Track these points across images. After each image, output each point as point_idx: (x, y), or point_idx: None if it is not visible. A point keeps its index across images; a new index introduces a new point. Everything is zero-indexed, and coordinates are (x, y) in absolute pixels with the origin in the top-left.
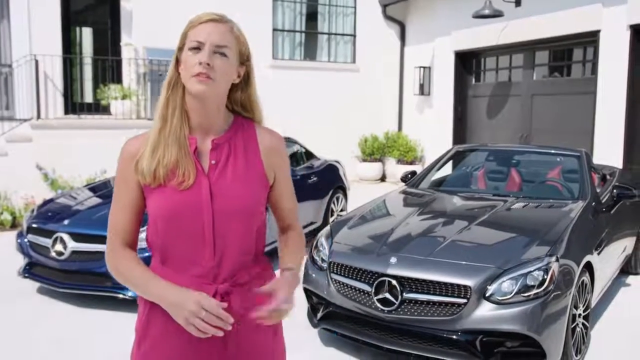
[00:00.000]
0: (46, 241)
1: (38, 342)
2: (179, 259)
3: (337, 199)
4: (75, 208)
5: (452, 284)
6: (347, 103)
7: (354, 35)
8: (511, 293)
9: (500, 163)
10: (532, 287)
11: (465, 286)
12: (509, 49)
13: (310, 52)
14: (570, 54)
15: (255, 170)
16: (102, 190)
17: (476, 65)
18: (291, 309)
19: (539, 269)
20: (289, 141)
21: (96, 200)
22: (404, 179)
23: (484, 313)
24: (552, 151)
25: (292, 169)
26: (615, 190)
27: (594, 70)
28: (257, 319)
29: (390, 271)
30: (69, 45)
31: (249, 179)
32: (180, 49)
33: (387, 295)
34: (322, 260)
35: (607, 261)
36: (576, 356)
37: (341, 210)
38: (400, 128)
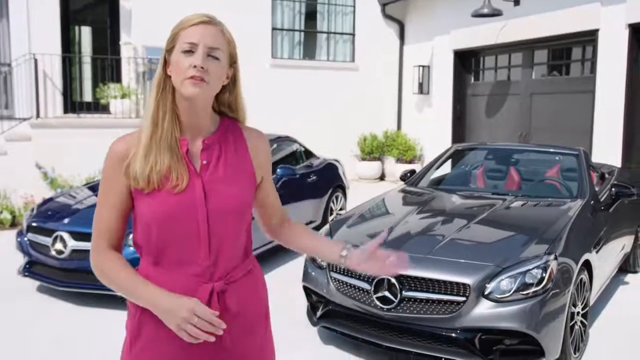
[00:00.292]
0: (46, 240)
1: (38, 340)
2: (175, 259)
3: (337, 197)
4: (75, 207)
5: (451, 282)
6: (347, 102)
7: (353, 34)
8: (510, 291)
9: (499, 162)
10: (531, 285)
11: (464, 284)
12: (508, 47)
13: (309, 51)
14: (569, 52)
15: (245, 169)
16: None
17: (475, 64)
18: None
19: (537, 267)
20: (288, 140)
21: (96, 199)
22: (403, 177)
23: (483, 311)
24: (551, 150)
25: (292, 168)
26: (613, 189)
27: (593, 69)
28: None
29: None
30: (68, 44)
31: (239, 178)
32: (170, 50)
33: (387, 293)
34: None
35: (606, 259)
36: (575, 354)
37: (340, 209)
38: (399, 127)
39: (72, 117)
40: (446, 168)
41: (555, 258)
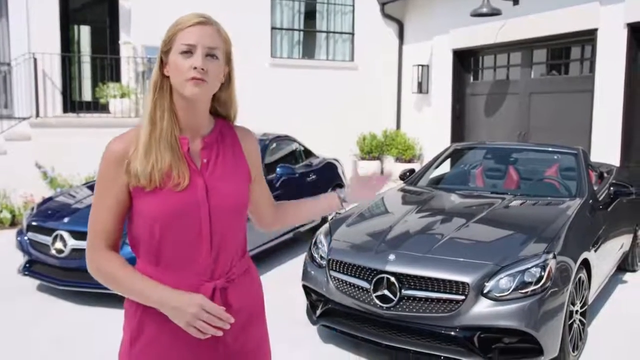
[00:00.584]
0: (46, 239)
1: (38, 339)
2: (176, 258)
3: None
4: (74, 206)
5: (450, 281)
6: (346, 101)
7: (353, 34)
8: (509, 290)
9: (498, 161)
10: (530, 283)
11: (463, 283)
12: (507, 47)
13: (308, 50)
14: (568, 52)
15: (242, 168)
16: None
17: (474, 63)
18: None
19: (536, 265)
20: (288, 139)
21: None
22: (403, 177)
23: (482, 309)
24: (550, 149)
25: (291, 167)
26: (612, 188)
27: (592, 69)
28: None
29: (389, 268)
30: (68, 44)
31: (237, 177)
32: (166, 51)
33: (386, 292)
34: (321, 257)
35: (604, 258)
36: (573, 352)
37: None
38: (398, 126)
39: (71, 116)
40: (445, 167)
41: (554, 257)
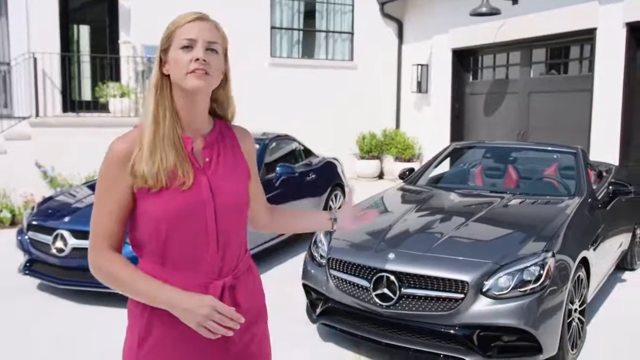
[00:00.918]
0: (47, 238)
1: (38, 339)
2: (183, 257)
3: (335, 196)
4: (75, 205)
5: (449, 279)
6: (345, 101)
7: (352, 33)
8: (508, 288)
9: (497, 160)
10: (529, 282)
11: (462, 281)
12: (506, 46)
13: (308, 49)
14: (567, 51)
15: (242, 167)
16: None
17: (473, 62)
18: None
19: (535, 264)
20: (288, 139)
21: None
22: (402, 176)
23: (481, 308)
24: (549, 148)
25: (291, 167)
26: (611, 187)
27: (591, 68)
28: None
29: (389, 267)
30: (68, 43)
31: (237, 175)
32: (165, 49)
33: (386, 290)
34: (321, 256)
35: (603, 257)
36: (572, 350)
37: (339, 208)
38: (398, 125)
39: (71, 116)
40: (445, 166)
41: (553, 255)
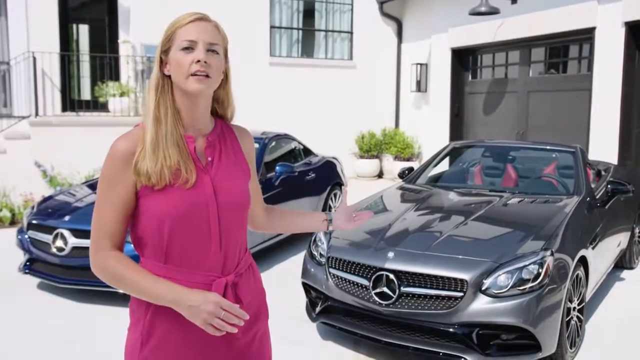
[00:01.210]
0: (47, 237)
1: (38, 338)
2: (186, 255)
3: (335, 195)
4: (75, 205)
5: (448, 278)
6: (345, 100)
7: (351, 33)
8: (507, 286)
9: (496, 159)
10: (528, 280)
11: (461, 280)
12: (505, 45)
13: (307, 49)
14: (566, 50)
15: (242, 166)
16: None
17: (473, 62)
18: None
19: (534, 262)
20: (287, 138)
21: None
22: (401, 175)
23: (480, 306)
24: (548, 147)
25: (290, 166)
26: (609, 186)
27: (590, 67)
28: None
29: (388, 265)
30: (67, 43)
31: (238, 174)
32: (166, 50)
33: (385, 289)
34: (321, 255)
35: (602, 255)
36: (571, 349)
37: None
38: (397, 125)
39: (71, 115)
40: (444, 165)
41: (552, 254)
